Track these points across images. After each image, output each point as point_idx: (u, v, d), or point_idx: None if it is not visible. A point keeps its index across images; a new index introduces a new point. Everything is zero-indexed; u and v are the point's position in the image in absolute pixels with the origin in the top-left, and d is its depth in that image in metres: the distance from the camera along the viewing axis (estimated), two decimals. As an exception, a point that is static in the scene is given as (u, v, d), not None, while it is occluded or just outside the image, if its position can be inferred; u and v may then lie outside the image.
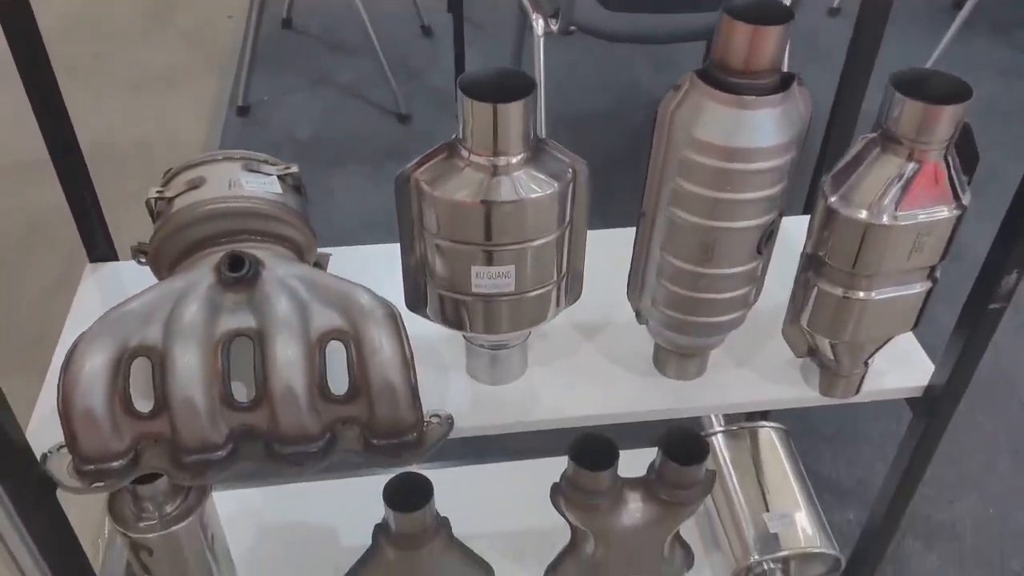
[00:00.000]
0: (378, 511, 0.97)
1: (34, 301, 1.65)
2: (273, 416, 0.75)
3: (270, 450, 0.77)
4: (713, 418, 1.29)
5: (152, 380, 0.74)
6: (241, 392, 0.76)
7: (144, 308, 0.76)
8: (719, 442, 1.25)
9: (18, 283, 1.71)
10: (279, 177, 0.90)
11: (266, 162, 0.93)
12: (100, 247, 0.99)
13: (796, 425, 1.26)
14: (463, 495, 1.06)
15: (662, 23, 1.65)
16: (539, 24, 1.64)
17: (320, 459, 0.77)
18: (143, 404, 0.74)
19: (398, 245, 0.80)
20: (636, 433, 1.04)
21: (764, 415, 1.33)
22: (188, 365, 0.73)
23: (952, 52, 2.26)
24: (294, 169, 0.92)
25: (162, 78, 2.36)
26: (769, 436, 1.24)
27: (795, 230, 0.82)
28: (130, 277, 0.84)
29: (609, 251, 0.84)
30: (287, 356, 0.75)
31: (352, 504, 1.12)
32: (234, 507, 1.16)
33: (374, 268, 0.78)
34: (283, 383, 0.74)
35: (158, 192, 0.88)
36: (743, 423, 1.27)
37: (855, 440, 1.44)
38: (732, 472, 1.21)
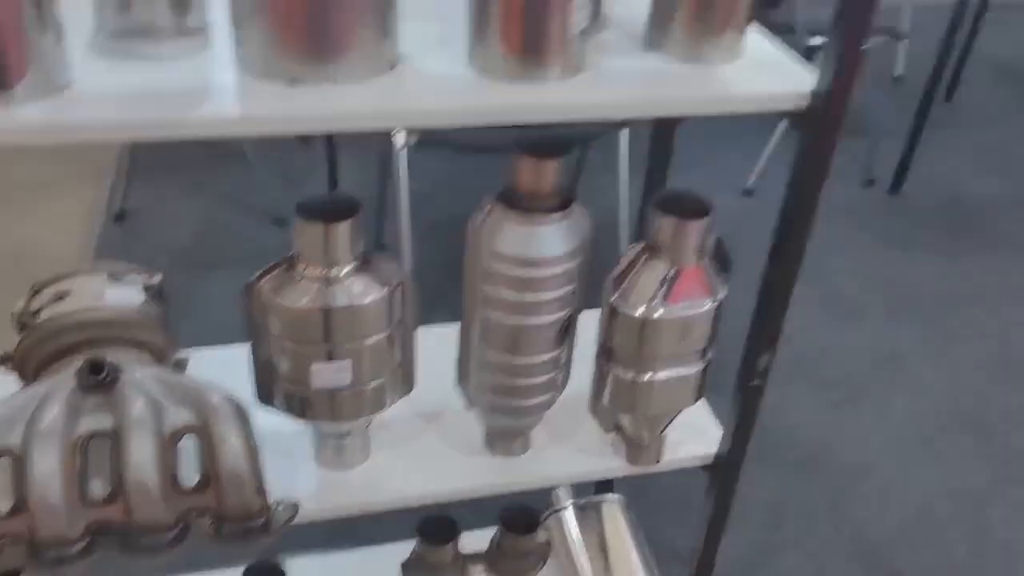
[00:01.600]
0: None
1: None
2: (128, 509, 0.82)
3: (126, 541, 0.83)
4: (562, 493, 1.40)
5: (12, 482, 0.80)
6: (101, 487, 0.82)
7: (7, 412, 0.82)
8: (569, 517, 1.35)
9: None
10: (144, 287, 0.98)
11: (129, 272, 1.02)
12: (-36, 357, 1.04)
13: (637, 498, 1.38)
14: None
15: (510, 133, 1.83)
16: (399, 136, 1.81)
17: (173, 546, 0.83)
18: (3, 504, 0.80)
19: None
20: (483, 517, 1.13)
21: (609, 488, 1.45)
22: (46, 466, 0.80)
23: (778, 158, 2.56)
24: (156, 280, 1.01)
25: (42, 186, 2.40)
26: (611, 509, 1.36)
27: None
28: (-4, 383, 0.90)
29: (449, 345, 0.96)
30: (141, 453, 0.82)
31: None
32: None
33: (234, 366, 0.87)
34: (136, 479, 0.81)
35: (23, 306, 0.95)
36: (590, 497, 1.38)
37: (689, 507, 1.57)
38: (581, 547, 1.31)
